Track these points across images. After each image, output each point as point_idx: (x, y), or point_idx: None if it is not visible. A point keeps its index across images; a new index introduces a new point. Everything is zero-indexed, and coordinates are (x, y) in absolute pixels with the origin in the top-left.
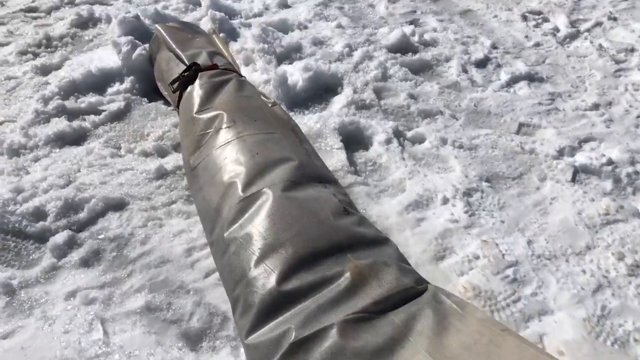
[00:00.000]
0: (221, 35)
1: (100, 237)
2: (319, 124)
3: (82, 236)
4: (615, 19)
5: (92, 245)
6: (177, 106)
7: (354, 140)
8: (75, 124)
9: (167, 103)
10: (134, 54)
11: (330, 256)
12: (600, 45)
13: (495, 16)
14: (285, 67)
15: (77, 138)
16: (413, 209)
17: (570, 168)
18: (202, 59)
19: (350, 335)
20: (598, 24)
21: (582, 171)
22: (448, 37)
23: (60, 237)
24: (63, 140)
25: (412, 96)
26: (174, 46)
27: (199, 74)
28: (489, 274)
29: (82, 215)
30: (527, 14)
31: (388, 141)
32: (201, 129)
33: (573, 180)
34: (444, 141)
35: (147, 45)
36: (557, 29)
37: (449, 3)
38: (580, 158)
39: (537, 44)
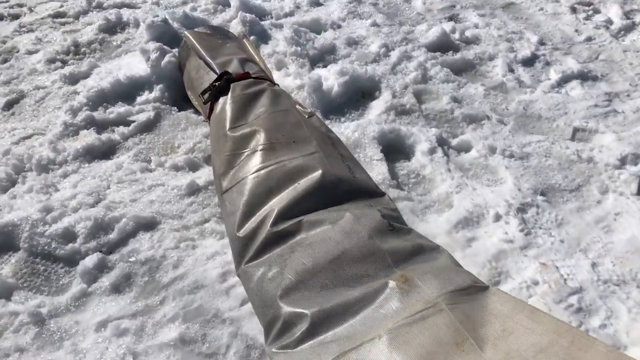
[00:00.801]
0: (252, 38)
1: (131, 259)
2: (357, 133)
3: (113, 259)
4: None
5: (123, 269)
6: (208, 117)
7: (394, 149)
8: (105, 136)
9: (197, 112)
10: (163, 61)
11: (373, 277)
12: None
13: (541, 9)
14: (319, 72)
15: (106, 151)
16: (463, 227)
17: (635, 179)
18: (233, 67)
19: (402, 341)
20: None
21: None
22: (491, 34)
23: (90, 261)
24: (92, 154)
25: (455, 99)
26: (203, 54)
27: (231, 84)
28: (550, 302)
29: (113, 236)
30: (576, 5)
31: (432, 150)
32: (235, 148)
33: (639, 192)
34: (492, 149)
35: (176, 51)
36: (610, 21)
37: None
38: None
39: (589, 39)
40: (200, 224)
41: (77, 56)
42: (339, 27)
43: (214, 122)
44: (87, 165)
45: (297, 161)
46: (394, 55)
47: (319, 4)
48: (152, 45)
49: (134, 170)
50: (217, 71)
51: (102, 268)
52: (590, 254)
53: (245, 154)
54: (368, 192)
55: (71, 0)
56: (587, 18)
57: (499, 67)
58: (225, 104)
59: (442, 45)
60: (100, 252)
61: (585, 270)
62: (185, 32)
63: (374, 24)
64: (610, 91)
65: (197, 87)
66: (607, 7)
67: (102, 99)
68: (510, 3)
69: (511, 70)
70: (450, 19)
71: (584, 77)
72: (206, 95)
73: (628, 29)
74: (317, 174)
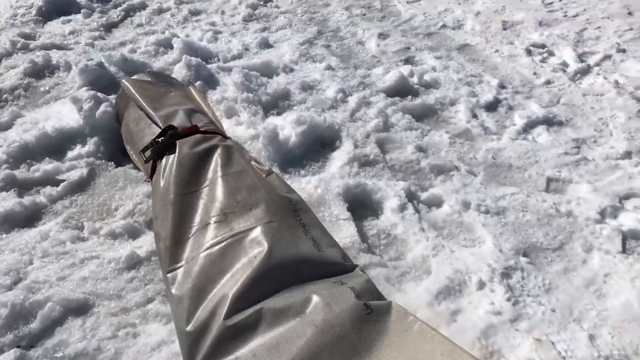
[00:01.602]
0: (197, 83)
1: (57, 355)
2: (319, 189)
3: (34, 355)
4: (624, 51)
5: None
6: (151, 177)
7: (361, 205)
8: (28, 199)
9: (138, 167)
10: (98, 112)
11: None
12: (617, 82)
13: (497, 50)
14: (274, 120)
15: (29, 218)
16: (444, 297)
17: (617, 234)
18: (179, 120)
19: None
20: (607, 56)
21: (631, 237)
22: (450, 77)
23: (5, 359)
24: (12, 222)
25: (420, 148)
26: (144, 104)
27: (177, 140)
28: None
29: (35, 325)
30: (530, 48)
31: (402, 207)
32: (183, 221)
33: (624, 249)
34: (466, 205)
35: (113, 98)
36: (565, 64)
37: (443, 37)
38: (626, 220)
39: (548, 82)
40: (142, 305)
41: None
42: (292, 70)
43: (157, 185)
44: (4, 236)
45: (255, 232)
46: (352, 101)
47: (269, 46)
48: (85, 94)
49: (63, 240)
50: (161, 125)
51: None
52: (585, 323)
53: (195, 227)
54: (336, 267)
55: None
56: (543, 60)
57: (462, 113)
58: (172, 166)
59: (401, 90)
60: (19, 347)
61: (583, 344)
62: (124, 81)
63: (329, 67)
64: (577, 137)
65: (137, 141)
66: (561, 50)
67: (25, 154)
68: (464, 45)
69: (475, 116)
70: (407, 61)
71: (549, 122)
72: (148, 153)
73: (584, 72)
74: (265, 249)
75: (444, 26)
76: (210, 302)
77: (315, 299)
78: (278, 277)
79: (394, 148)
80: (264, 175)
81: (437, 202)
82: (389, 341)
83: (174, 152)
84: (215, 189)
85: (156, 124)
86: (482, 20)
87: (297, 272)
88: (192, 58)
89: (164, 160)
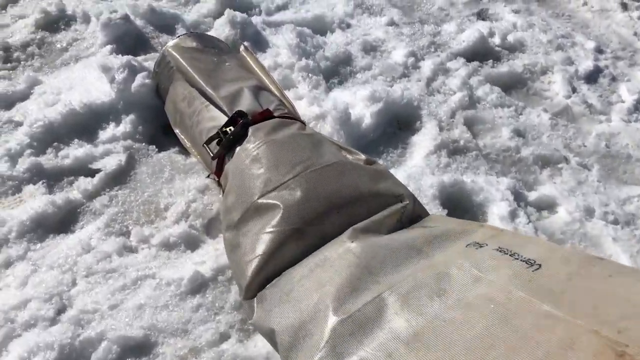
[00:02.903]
0: (245, 44)
1: None
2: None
3: None
4: None
5: None
6: (217, 174)
7: (458, 206)
8: (60, 196)
9: (185, 150)
10: (134, 85)
11: None
12: None
13: (585, 4)
14: (340, 95)
15: (64, 220)
16: None
17: None
18: (245, 102)
19: None
20: None
21: None
22: (537, 37)
23: None
24: (45, 226)
25: (518, 132)
26: (200, 81)
27: (250, 128)
28: None
29: None
30: (626, 1)
31: (513, 214)
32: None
33: None
34: (588, 211)
35: (149, 64)
36: None
37: None
38: None
39: None
40: (215, 345)
41: (9, 65)
42: (349, 26)
43: (232, 185)
44: (39, 245)
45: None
46: (426, 66)
47: None
48: (115, 60)
49: (108, 252)
50: (226, 110)
51: None
52: None
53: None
54: None
55: None
56: None
57: (558, 85)
58: (247, 159)
59: (481, 53)
60: None
61: None
62: (168, 49)
63: (391, 22)
64: None
65: (192, 126)
66: None
67: (51, 136)
68: None
69: (574, 90)
70: (479, 15)
71: None
72: (213, 145)
73: None
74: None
75: None
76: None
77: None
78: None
79: (485, 131)
80: (363, 165)
81: (549, 205)
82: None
83: (248, 144)
84: (309, 189)
85: (218, 107)
86: None
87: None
88: (237, 13)
89: (235, 152)
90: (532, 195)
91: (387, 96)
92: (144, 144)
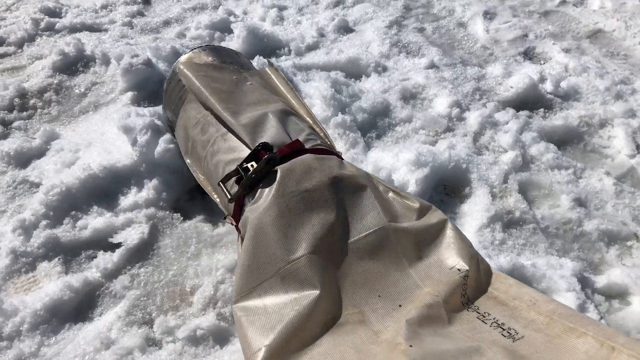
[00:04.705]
0: (270, 61)
1: None
2: None
3: None
4: None
5: None
6: (235, 218)
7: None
8: (77, 278)
9: (211, 217)
10: (157, 150)
11: None
12: None
13: None
14: (380, 155)
15: (81, 305)
16: None
17: None
18: (271, 132)
19: None
20: None
21: None
22: (592, 84)
23: None
24: (61, 315)
25: (579, 201)
26: (216, 105)
27: (279, 169)
28: None
29: None
30: None
31: (581, 307)
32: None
33: None
34: None
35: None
36: None
37: (566, 19)
38: None
39: None
40: None
41: (24, 113)
42: (385, 69)
43: (251, 239)
44: (53, 339)
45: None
46: (472, 118)
47: (349, 30)
48: (138, 121)
49: (130, 348)
50: (247, 141)
51: None
52: None
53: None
54: None
55: (10, 18)
56: None
57: (621, 141)
58: (273, 207)
59: (530, 101)
60: None
61: None
62: (179, 65)
63: (431, 65)
64: None
65: (206, 157)
66: None
67: (69, 204)
68: (596, 31)
69: (638, 147)
70: (526, 54)
71: None
72: (231, 182)
73: None
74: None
75: (563, 2)
76: None
77: None
78: None
79: (542, 198)
80: (414, 219)
81: (620, 294)
82: None
83: (271, 185)
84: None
85: (238, 136)
86: None
87: None
88: (266, 61)
89: (257, 194)
90: (600, 281)
91: (434, 160)
92: (167, 211)
